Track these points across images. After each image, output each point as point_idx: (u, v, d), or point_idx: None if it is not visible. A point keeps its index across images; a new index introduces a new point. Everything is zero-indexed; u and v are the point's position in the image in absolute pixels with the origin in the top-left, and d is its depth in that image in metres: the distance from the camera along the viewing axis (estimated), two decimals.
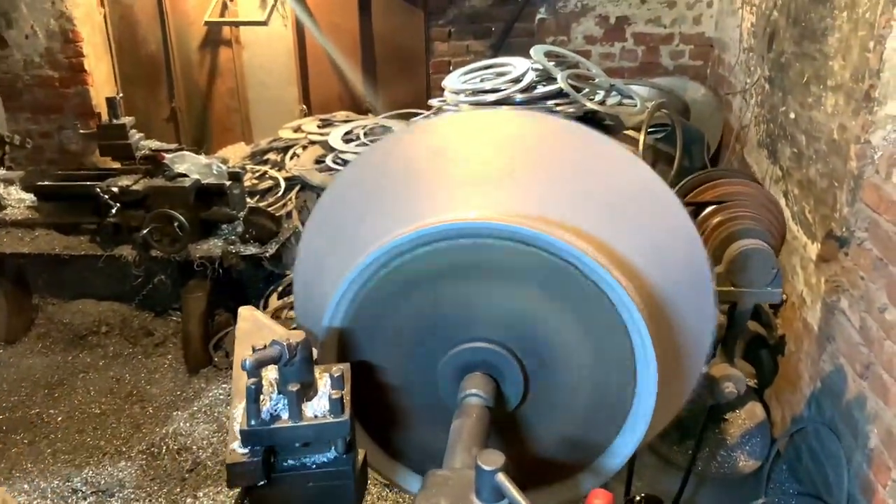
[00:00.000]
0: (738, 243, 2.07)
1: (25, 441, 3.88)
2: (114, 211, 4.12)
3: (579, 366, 1.54)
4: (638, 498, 2.42)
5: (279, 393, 1.43)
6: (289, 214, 4.87)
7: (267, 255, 4.35)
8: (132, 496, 3.53)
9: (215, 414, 3.88)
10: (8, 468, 3.69)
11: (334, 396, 1.39)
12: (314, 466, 1.43)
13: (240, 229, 4.48)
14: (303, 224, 4.87)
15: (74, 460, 3.80)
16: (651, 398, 1.48)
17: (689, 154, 4.32)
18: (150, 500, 3.49)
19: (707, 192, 2.31)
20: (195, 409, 3.95)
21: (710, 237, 2.15)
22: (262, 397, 1.41)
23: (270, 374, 1.48)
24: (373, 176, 1.66)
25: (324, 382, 1.47)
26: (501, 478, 1.15)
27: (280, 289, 4.75)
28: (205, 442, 3.68)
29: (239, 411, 1.43)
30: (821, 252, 3.08)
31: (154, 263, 4.44)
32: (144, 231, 4.13)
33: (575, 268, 1.44)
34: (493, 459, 1.17)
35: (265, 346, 1.39)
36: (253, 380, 1.36)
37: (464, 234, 1.46)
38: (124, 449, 3.85)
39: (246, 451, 1.40)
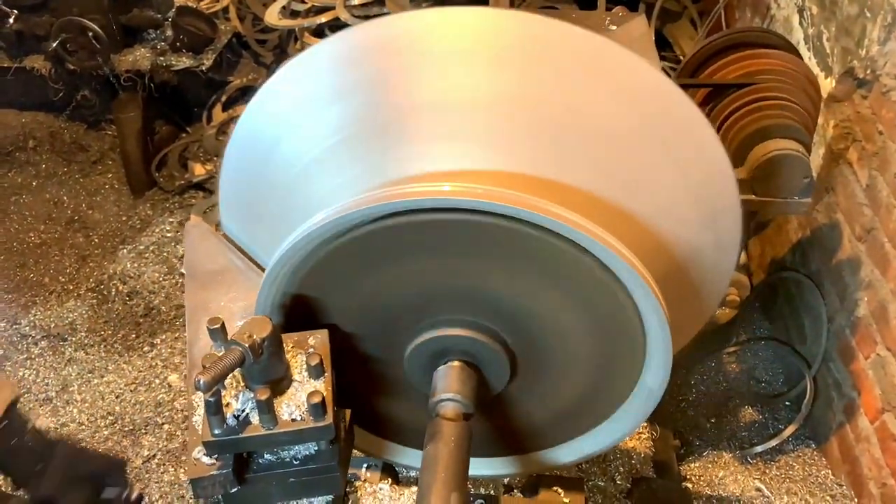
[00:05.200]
0: (766, 144, 1.69)
1: None
2: (11, 20, 3.47)
3: (575, 348, 1.28)
4: None
5: (245, 388, 1.17)
6: (224, 11, 4.21)
7: (203, 67, 3.81)
8: (87, 341, 3.37)
9: (164, 254, 3.61)
10: None
11: (313, 400, 1.14)
12: (296, 462, 1.23)
13: (169, 33, 3.87)
14: (241, 21, 4.25)
15: (19, 299, 3.58)
16: (658, 390, 1.25)
17: None
18: (105, 346, 3.34)
19: (729, 68, 1.85)
20: (142, 247, 3.67)
21: (732, 132, 1.76)
22: (224, 397, 1.15)
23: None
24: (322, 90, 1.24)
25: (298, 367, 1.21)
26: None
27: (224, 98, 4.27)
28: (156, 286, 3.47)
29: (201, 398, 1.17)
30: (834, 90, 2.72)
31: (74, 77, 3.87)
32: (54, 43, 3.52)
33: (582, 250, 1.12)
34: None
35: (219, 353, 1.09)
36: (210, 393, 1.10)
37: (435, 208, 1.11)
38: (71, 287, 3.62)
39: (212, 461, 1.18)
